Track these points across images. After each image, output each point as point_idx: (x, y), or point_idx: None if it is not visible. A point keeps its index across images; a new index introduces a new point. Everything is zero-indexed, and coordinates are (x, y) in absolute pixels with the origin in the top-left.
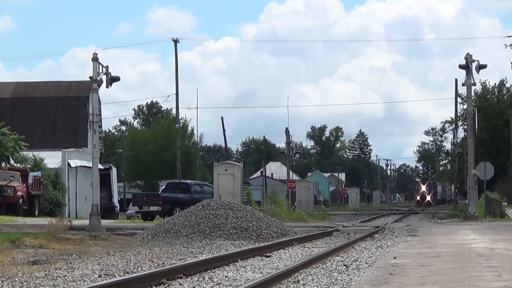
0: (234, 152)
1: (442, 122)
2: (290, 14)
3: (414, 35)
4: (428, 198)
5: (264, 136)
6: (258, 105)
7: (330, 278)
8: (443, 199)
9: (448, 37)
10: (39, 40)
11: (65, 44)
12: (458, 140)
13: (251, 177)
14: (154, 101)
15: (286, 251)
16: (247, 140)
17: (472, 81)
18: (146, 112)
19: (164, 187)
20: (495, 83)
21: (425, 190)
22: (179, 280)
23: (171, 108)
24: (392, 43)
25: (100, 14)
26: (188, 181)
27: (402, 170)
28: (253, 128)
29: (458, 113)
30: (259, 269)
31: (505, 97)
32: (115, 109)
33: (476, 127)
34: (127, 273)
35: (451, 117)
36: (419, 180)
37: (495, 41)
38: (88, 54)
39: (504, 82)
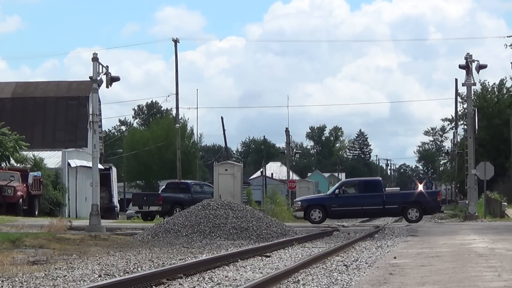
0: (234, 152)
1: (442, 120)
2: (295, 14)
3: (420, 35)
4: None
5: (264, 136)
6: (263, 105)
7: (330, 278)
8: None
9: (454, 37)
10: (43, 39)
11: (69, 44)
12: (458, 140)
13: (251, 177)
14: (154, 101)
15: (286, 251)
16: (247, 140)
17: (472, 81)
18: (146, 112)
19: (164, 187)
20: (494, 83)
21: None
22: (179, 280)
23: (171, 108)
24: (397, 43)
25: (106, 14)
26: (188, 181)
27: (402, 170)
28: (257, 128)
29: (458, 113)
30: (259, 269)
31: (505, 96)
32: (118, 108)
33: (477, 127)
34: (127, 273)
35: (451, 115)
36: (415, 178)
37: (500, 41)
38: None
39: (504, 82)
